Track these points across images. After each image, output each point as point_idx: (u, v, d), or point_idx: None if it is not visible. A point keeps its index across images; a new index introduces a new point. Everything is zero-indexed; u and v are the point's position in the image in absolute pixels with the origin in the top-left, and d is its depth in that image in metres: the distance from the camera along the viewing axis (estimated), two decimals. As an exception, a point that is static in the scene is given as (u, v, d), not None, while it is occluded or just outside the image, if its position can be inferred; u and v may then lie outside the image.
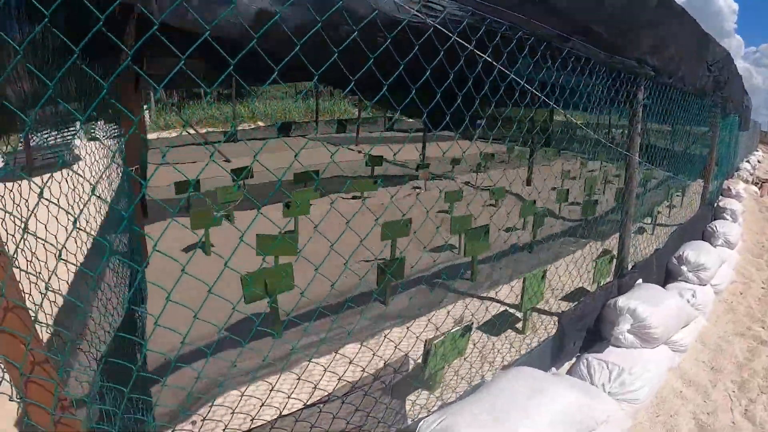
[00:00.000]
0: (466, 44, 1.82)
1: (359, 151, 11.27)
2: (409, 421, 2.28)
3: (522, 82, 2.11)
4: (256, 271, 3.37)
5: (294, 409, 1.71)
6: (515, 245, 5.23)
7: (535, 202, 5.86)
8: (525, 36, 2.13)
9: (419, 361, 2.77)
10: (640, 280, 3.55)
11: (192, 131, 11.89)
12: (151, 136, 12.44)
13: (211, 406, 2.56)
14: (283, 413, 1.58)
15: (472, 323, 2.89)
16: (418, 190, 8.28)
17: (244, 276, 3.26)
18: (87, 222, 3.63)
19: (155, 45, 1.42)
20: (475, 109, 2.26)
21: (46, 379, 1.26)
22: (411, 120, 13.70)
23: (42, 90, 3.09)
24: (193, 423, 2.62)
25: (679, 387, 3.05)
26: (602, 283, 3.63)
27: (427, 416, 2.18)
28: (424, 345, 2.68)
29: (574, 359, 3.21)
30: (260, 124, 17.00)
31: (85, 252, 3.44)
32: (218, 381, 3.01)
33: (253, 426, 1.54)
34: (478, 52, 1.87)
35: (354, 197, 7.68)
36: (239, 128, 15.10)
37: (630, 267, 3.55)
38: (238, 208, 6.60)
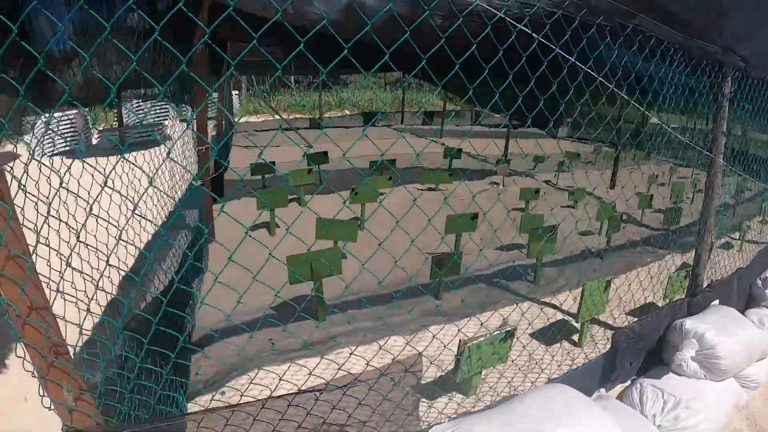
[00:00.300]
0: (549, 44, 1.71)
1: (442, 144, 11.09)
2: (423, 425, 2.19)
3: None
4: (303, 253, 3.43)
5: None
6: (587, 250, 4.83)
7: (614, 206, 5.36)
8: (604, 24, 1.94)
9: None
10: (717, 302, 3.09)
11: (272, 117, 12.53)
12: (241, 120, 13.29)
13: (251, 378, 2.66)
14: (273, 395, 1.58)
15: (515, 329, 2.71)
16: (495, 186, 7.97)
17: (289, 257, 3.34)
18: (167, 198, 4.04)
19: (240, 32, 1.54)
20: (563, 107, 2.15)
21: (40, 323, 1.36)
22: (498, 115, 13.22)
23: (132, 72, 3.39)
24: (222, 393, 2.75)
25: (742, 429, 2.60)
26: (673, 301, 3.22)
27: (441, 422, 2.07)
28: (458, 346, 2.56)
29: (628, 382, 2.88)
30: (346, 112, 17.46)
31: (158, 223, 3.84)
32: (256, 356, 3.13)
33: (241, 401, 1.56)
34: (563, 53, 1.75)
35: (429, 189, 7.58)
36: (325, 115, 15.63)
37: (705, 285, 3.10)
38: (310, 193, 6.82)
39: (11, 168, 1.57)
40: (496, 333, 2.61)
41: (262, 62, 7.36)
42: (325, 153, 7.42)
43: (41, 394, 1.43)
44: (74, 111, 10.44)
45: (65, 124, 10.49)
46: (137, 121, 11.72)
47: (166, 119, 12.06)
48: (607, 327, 3.67)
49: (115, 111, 10.80)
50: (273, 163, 6.97)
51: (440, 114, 14.28)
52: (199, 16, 3.65)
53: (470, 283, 4.38)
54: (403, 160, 7.88)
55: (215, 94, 8.57)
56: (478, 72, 1.90)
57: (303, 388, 1.69)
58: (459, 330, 2.86)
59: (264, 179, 7.26)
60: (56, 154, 9.91)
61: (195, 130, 4.32)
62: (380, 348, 2.10)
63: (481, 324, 2.70)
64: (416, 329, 3.58)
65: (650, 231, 6.00)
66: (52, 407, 1.45)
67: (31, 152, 1.73)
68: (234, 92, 15.24)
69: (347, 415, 1.80)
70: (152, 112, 12.15)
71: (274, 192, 5.25)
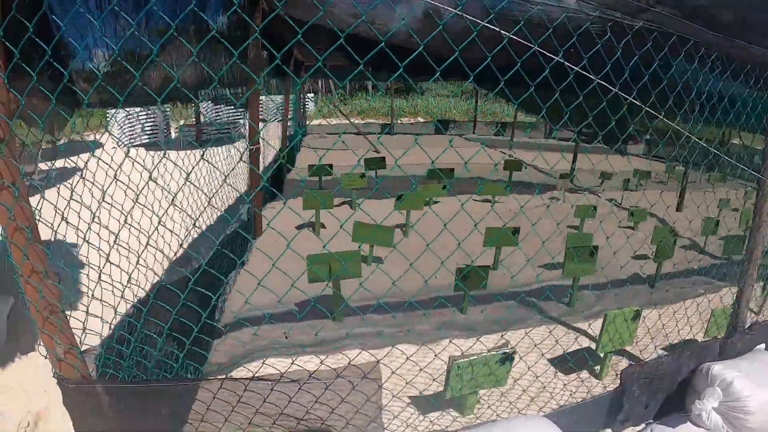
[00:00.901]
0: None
1: (510, 156, 10.87)
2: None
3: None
4: (323, 253, 3.59)
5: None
6: (637, 275, 4.56)
7: (672, 229, 4.99)
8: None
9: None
10: (762, 346, 2.80)
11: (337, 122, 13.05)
12: (314, 122, 13.92)
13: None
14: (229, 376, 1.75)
15: (514, 352, 2.66)
16: (554, 201, 7.69)
17: (308, 256, 3.52)
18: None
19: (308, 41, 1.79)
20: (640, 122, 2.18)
21: (37, 284, 1.64)
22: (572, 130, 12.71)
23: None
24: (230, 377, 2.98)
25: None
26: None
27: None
28: (448, 362, 2.57)
29: (642, 425, 2.71)
30: (419, 119, 17.65)
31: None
32: (267, 346, 3.35)
33: (201, 376, 1.74)
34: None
35: (485, 200, 7.50)
36: (398, 122, 15.91)
37: (748, 326, 2.82)
38: (366, 197, 7.02)
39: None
40: (491, 353, 2.59)
41: (337, 66, 7.70)
42: (383, 158, 7.60)
43: (38, 344, 1.71)
44: (154, 107, 11.71)
45: (146, 119, 11.79)
46: (214, 119, 12.80)
47: (242, 118, 13.04)
48: (637, 360, 3.46)
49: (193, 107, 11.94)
50: (330, 165, 7.28)
51: (515, 125, 13.96)
52: (253, 18, 3.94)
53: (507, 298, 4.30)
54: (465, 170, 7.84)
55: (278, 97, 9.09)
56: (547, 86, 1.96)
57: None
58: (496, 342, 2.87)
59: (321, 181, 7.59)
60: (137, 145, 11.14)
61: (247, 131, 4.68)
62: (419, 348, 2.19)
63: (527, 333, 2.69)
64: (435, 339, 3.61)
65: (711, 260, 5.51)
66: (46, 356, 1.73)
67: (116, 142, 2.11)
68: (309, 95, 16.08)
69: (305, 410, 1.91)
70: (229, 112, 13.20)
71: (319, 193, 5.51)
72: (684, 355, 2.65)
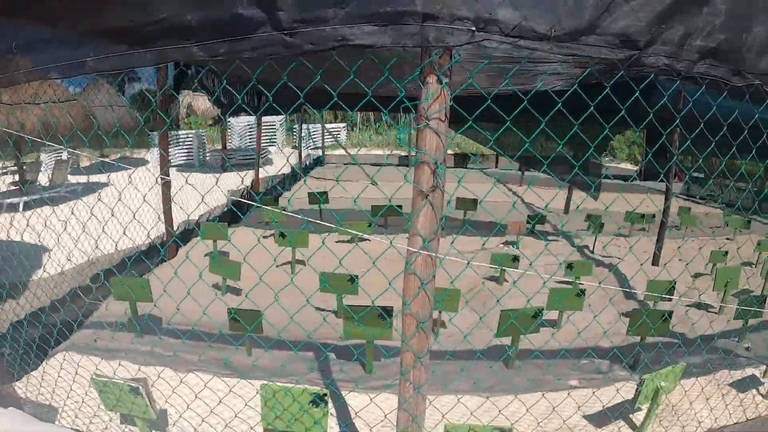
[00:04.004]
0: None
1: (513, 192, 10.76)
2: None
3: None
4: (125, 278, 4.31)
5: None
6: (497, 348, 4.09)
7: (580, 292, 4.39)
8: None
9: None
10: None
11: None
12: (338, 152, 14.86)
13: None
14: None
15: (138, 388, 2.64)
16: (508, 247, 7.35)
17: (112, 279, 4.11)
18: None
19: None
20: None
21: None
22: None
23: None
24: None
25: None
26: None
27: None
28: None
29: None
30: (449, 151, 17.62)
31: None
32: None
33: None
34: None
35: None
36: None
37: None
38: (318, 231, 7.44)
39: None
40: (120, 381, 2.67)
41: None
42: (325, 192, 8.14)
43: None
44: (191, 131, 13.69)
45: (183, 143, 13.78)
46: (244, 144, 14.46)
47: (273, 145, 14.60)
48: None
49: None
50: (277, 198, 8.08)
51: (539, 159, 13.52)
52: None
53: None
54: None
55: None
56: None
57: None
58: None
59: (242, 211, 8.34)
60: (172, 166, 13.05)
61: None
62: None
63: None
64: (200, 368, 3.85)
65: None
66: None
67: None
68: (339, 125, 17.29)
69: None
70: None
71: (214, 225, 6.43)
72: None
